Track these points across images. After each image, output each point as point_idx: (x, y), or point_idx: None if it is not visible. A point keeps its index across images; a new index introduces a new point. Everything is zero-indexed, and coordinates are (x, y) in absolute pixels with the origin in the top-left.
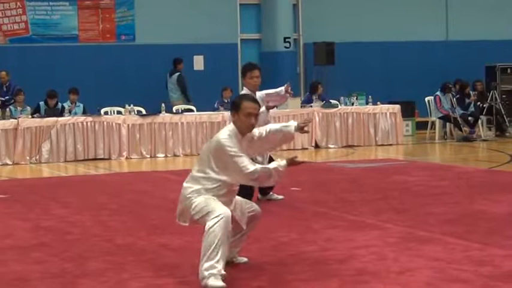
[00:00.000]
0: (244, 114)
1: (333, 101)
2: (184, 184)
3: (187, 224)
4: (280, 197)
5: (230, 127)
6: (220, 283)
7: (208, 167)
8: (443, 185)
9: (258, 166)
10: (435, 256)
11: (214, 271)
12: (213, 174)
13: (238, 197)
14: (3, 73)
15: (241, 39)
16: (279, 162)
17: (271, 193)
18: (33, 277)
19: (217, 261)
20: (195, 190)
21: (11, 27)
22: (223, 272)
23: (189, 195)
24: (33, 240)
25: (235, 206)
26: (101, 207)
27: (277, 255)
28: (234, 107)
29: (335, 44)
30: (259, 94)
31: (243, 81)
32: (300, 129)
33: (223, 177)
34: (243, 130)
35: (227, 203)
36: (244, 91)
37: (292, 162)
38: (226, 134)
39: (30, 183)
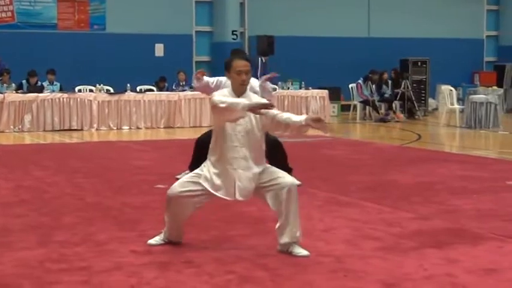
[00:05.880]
0: (236, 72)
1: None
2: None
3: None
4: None
5: (225, 89)
6: (153, 241)
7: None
8: (362, 158)
9: (220, 98)
10: (353, 217)
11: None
12: (212, 142)
13: (268, 168)
14: None
15: (196, 31)
16: (244, 102)
17: None
18: (15, 228)
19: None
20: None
21: None
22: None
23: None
24: (15, 198)
25: (240, 178)
26: (74, 171)
27: (223, 214)
28: (226, 66)
29: (274, 37)
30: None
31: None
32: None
33: (215, 135)
34: (236, 88)
35: (226, 171)
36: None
37: (252, 108)
38: (217, 92)
39: (13, 148)
